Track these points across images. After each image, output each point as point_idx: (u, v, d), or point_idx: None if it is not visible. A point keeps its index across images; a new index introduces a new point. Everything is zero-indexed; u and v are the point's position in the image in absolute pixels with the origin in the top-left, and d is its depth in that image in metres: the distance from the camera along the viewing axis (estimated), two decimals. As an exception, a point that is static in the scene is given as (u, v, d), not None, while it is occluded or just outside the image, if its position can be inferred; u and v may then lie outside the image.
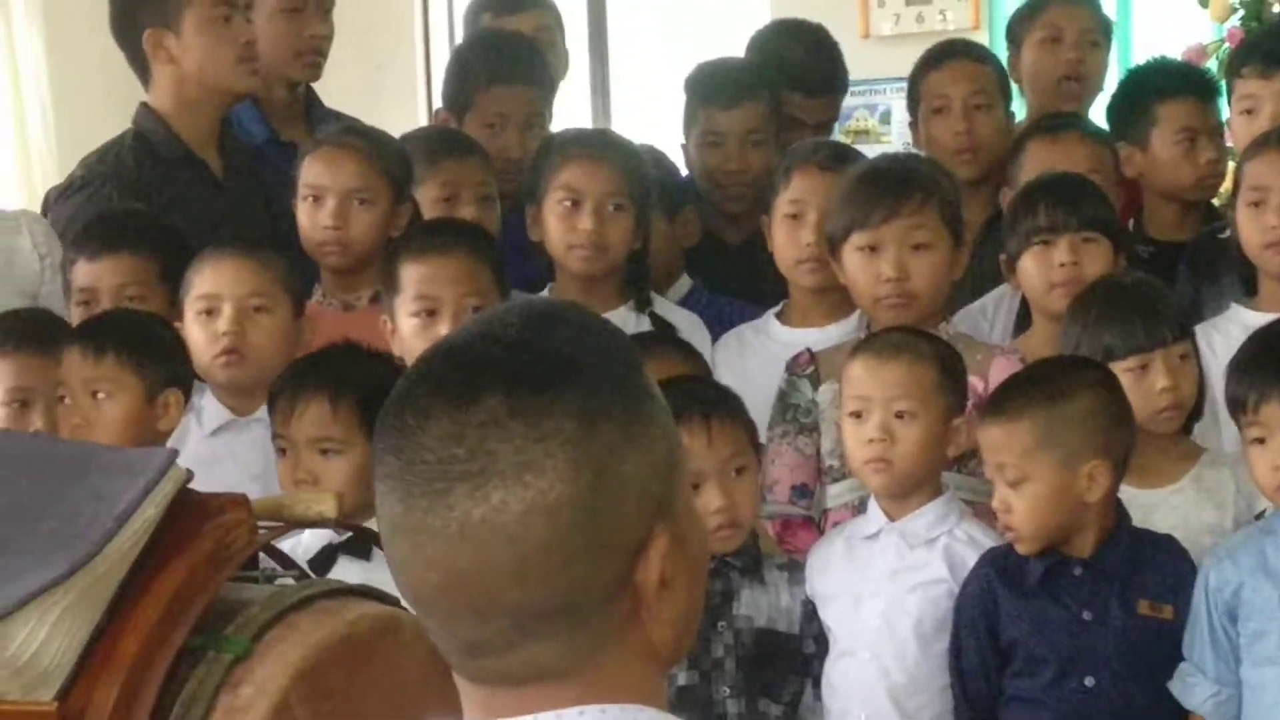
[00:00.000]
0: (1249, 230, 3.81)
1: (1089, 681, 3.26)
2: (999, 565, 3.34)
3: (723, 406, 3.41)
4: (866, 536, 3.47)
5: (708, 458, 3.34)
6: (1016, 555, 3.32)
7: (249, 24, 4.31)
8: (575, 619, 1.41)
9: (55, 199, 4.33)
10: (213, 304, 3.74)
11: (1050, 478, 3.25)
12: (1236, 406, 3.27)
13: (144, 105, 4.33)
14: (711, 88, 4.64)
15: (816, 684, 3.43)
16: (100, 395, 3.55)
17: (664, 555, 1.44)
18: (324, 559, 3.19)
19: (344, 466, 3.35)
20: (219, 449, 3.71)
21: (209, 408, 3.79)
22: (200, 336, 3.74)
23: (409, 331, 3.72)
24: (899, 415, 3.40)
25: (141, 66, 4.32)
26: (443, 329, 3.63)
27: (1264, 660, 3.22)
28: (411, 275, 3.75)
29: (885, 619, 3.40)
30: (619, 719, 1.43)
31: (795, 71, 4.79)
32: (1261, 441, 3.23)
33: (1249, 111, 4.29)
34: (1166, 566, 3.32)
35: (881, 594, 3.41)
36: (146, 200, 4.15)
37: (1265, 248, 3.79)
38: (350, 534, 3.09)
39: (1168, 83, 4.49)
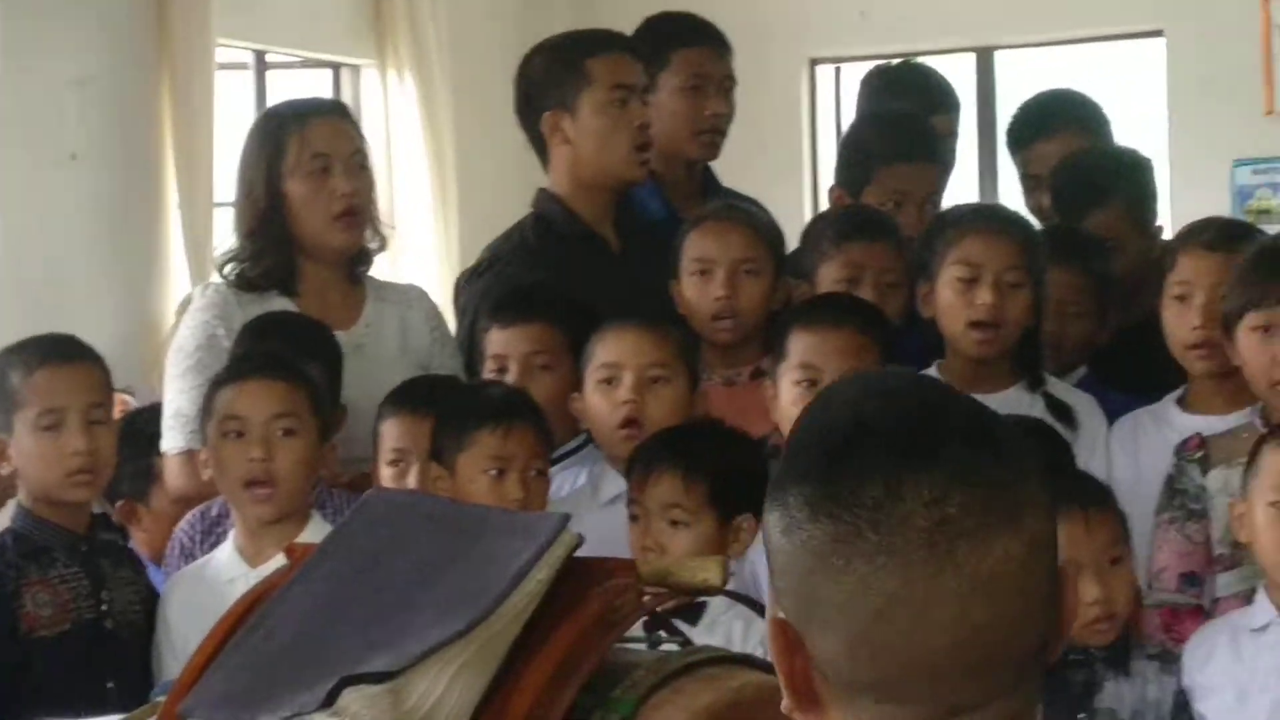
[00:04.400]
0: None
1: None
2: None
3: (1098, 497, 3.37)
4: (1254, 629, 3.37)
5: (1085, 547, 3.28)
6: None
7: (645, 108, 4.35)
8: (1038, 662, 1.42)
9: (465, 281, 4.45)
10: (613, 373, 3.80)
11: None
12: None
13: (542, 190, 4.43)
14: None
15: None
16: (533, 473, 3.65)
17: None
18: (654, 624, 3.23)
19: (690, 539, 3.41)
20: (614, 519, 3.75)
21: (608, 477, 3.84)
22: (602, 405, 3.80)
23: (789, 400, 3.73)
24: None
25: (540, 149, 4.41)
26: None
27: None
28: (799, 345, 3.77)
29: (1272, 717, 3.30)
30: None
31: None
32: None
33: None
34: None
35: (1269, 690, 3.31)
36: (547, 275, 4.23)
37: None
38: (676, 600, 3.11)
39: None
